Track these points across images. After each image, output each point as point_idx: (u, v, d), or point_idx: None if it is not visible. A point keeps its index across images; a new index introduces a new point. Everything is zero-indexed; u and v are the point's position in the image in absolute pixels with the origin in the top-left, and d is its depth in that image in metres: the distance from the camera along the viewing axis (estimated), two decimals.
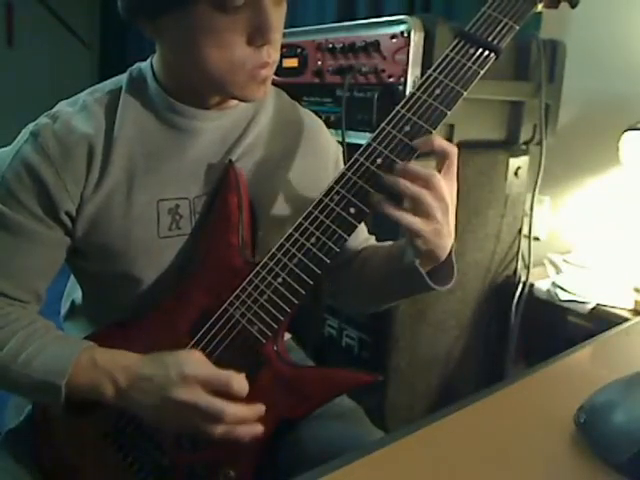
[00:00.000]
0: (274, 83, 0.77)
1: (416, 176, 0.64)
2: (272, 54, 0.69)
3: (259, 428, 0.67)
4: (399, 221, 0.64)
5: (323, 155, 0.88)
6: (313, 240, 0.67)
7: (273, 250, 0.69)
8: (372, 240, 0.93)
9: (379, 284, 0.83)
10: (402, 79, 1.13)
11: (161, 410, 0.66)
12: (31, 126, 0.74)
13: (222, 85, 0.70)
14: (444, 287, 0.74)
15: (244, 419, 0.66)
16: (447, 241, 0.68)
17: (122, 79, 0.79)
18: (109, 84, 0.79)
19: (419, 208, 0.64)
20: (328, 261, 0.67)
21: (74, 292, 0.89)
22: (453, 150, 0.66)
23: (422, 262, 0.70)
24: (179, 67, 0.74)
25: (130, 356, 0.69)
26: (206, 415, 0.65)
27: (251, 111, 0.81)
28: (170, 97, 0.76)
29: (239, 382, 0.66)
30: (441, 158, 0.67)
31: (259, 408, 0.67)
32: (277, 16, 0.68)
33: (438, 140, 0.66)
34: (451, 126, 1.19)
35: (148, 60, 0.79)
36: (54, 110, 0.76)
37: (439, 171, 0.66)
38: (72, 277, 0.90)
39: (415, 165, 0.65)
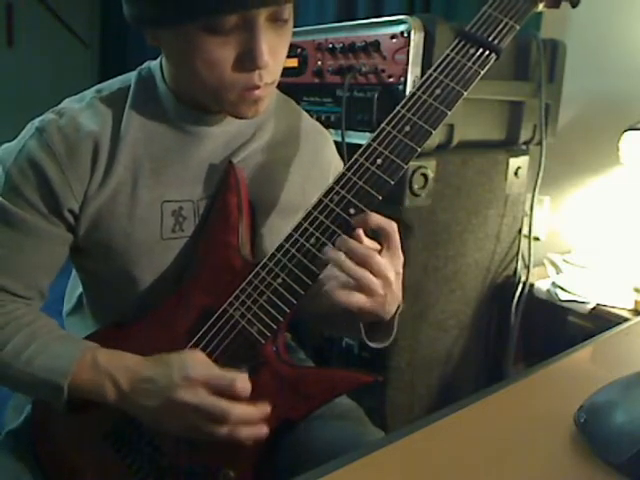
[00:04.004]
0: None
1: (356, 255, 0.64)
2: (265, 77, 0.68)
3: (264, 429, 0.66)
4: (340, 301, 0.65)
5: (324, 166, 0.88)
6: (313, 241, 0.67)
7: (272, 250, 0.69)
8: None
9: (323, 317, 0.83)
10: (402, 79, 1.13)
11: (164, 412, 0.66)
12: (37, 121, 0.74)
13: (214, 101, 0.71)
14: (381, 344, 0.76)
15: (249, 420, 0.66)
16: (390, 308, 0.69)
17: (131, 78, 0.78)
18: (117, 82, 0.79)
19: (361, 286, 0.64)
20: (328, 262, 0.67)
21: (77, 288, 0.89)
22: (391, 226, 0.66)
23: (363, 318, 0.71)
24: (178, 76, 0.74)
25: (132, 357, 0.69)
26: (210, 416, 0.64)
27: (258, 118, 0.79)
28: (178, 100, 0.76)
29: (243, 382, 0.65)
30: (381, 235, 0.66)
31: (264, 408, 0.67)
32: (275, 39, 0.67)
33: (375, 218, 0.65)
34: (451, 126, 1.19)
35: (158, 60, 0.78)
36: (60, 106, 0.76)
37: (381, 246, 0.66)
38: (74, 274, 0.89)
39: (354, 243, 0.65)
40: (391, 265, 0.66)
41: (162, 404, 0.65)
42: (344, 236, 0.66)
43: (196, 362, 0.67)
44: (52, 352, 0.70)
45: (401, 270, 0.68)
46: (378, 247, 0.67)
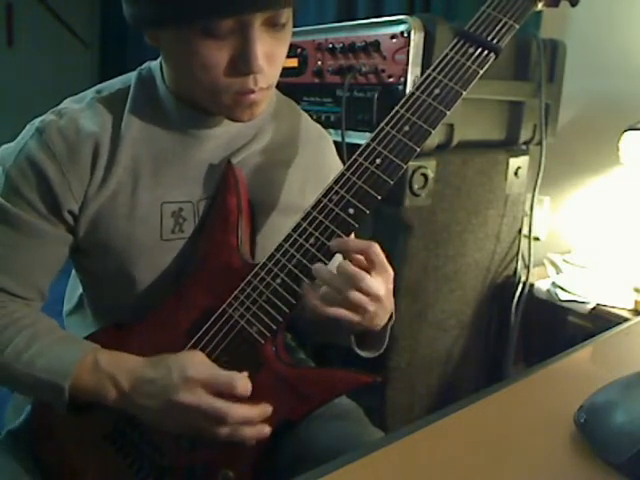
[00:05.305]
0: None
1: (346, 277, 0.64)
2: (260, 81, 0.67)
3: (266, 429, 0.66)
4: (335, 317, 0.65)
5: (325, 169, 0.88)
6: (312, 241, 0.67)
7: (272, 251, 0.69)
8: None
9: (314, 323, 0.82)
10: (402, 79, 1.13)
11: (164, 413, 0.66)
12: (37, 122, 0.73)
13: (210, 103, 0.71)
14: (372, 353, 0.76)
15: (249, 419, 0.66)
16: (380, 321, 0.70)
17: (131, 78, 0.78)
18: (117, 82, 0.79)
19: (354, 307, 0.65)
20: (327, 262, 0.67)
21: (78, 288, 0.89)
22: (370, 247, 0.65)
23: (352, 329, 0.71)
24: (177, 77, 0.74)
25: (133, 359, 0.69)
26: (210, 417, 0.64)
27: (259, 120, 0.79)
28: (178, 101, 0.75)
29: (242, 383, 0.65)
30: (365, 257, 0.66)
31: (265, 408, 0.67)
32: (271, 43, 0.67)
33: (352, 242, 0.66)
34: (451, 126, 1.19)
35: (158, 60, 0.78)
36: (60, 106, 0.76)
37: (367, 265, 0.66)
38: (74, 273, 0.89)
39: (345, 263, 0.65)
40: (381, 283, 0.66)
41: (162, 405, 0.65)
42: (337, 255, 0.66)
43: (196, 363, 0.67)
44: (53, 354, 0.70)
45: (392, 285, 0.69)
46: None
